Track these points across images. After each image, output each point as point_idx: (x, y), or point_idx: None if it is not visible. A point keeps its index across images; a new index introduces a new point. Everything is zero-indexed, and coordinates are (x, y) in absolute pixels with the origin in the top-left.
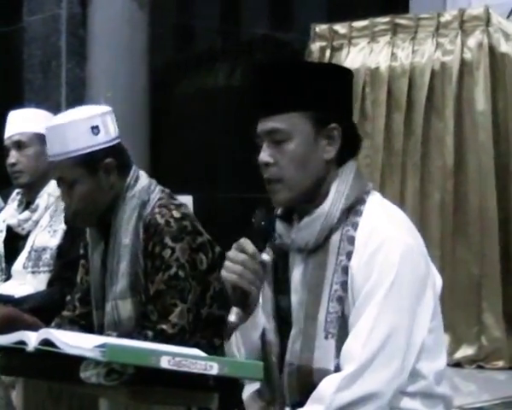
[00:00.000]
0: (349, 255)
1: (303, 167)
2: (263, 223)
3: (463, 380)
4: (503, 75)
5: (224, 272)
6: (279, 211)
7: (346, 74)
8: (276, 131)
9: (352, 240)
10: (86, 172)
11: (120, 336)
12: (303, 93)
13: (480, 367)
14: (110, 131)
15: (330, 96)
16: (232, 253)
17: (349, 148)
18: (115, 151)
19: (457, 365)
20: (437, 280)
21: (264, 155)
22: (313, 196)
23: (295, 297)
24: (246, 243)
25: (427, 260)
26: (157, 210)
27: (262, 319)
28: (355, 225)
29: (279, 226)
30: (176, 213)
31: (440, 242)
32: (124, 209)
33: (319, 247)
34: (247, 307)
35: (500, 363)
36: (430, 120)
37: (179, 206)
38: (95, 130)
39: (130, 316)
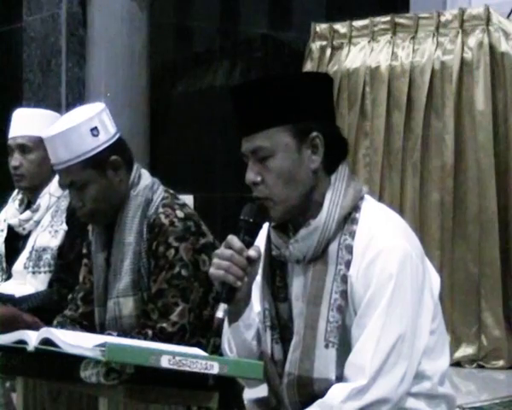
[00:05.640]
0: (348, 264)
1: (290, 182)
2: (251, 219)
3: (463, 379)
4: (503, 75)
5: (211, 269)
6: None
7: (321, 80)
8: (259, 149)
9: (350, 249)
10: (95, 172)
11: (120, 335)
12: (279, 108)
13: (480, 367)
14: (109, 129)
15: (307, 105)
16: (219, 250)
17: (336, 152)
18: (118, 147)
19: (457, 364)
20: (434, 281)
21: (251, 175)
22: (306, 206)
23: (296, 307)
24: (232, 239)
25: (424, 264)
26: (161, 210)
27: (256, 320)
28: (352, 234)
29: (275, 237)
30: (180, 214)
31: (440, 241)
32: (128, 207)
33: (318, 257)
34: (237, 305)
35: (500, 362)
36: (430, 119)
37: (183, 206)
38: (94, 131)
39: (132, 314)
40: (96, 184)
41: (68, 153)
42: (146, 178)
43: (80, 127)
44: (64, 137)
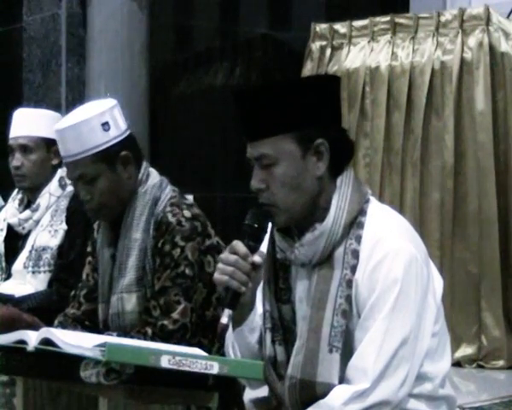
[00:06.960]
0: (353, 269)
1: (295, 189)
2: (255, 224)
3: (463, 379)
4: (503, 75)
5: (215, 274)
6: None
7: (326, 83)
8: (263, 156)
9: (356, 254)
10: (106, 166)
11: (120, 335)
12: (282, 116)
13: (480, 367)
14: (120, 125)
15: (311, 112)
16: (224, 255)
17: (342, 156)
18: (128, 143)
19: (457, 364)
20: (437, 283)
21: (255, 182)
22: (311, 211)
23: (300, 310)
24: (237, 244)
25: (428, 266)
26: (169, 209)
27: (259, 323)
28: (358, 239)
29: (279, 240)
30: (187, 213)
31: (440, 241)
32: (136, 204)
33: (323, 261)
34: (241, 310)
35: (499, 362)
36: (430, 119)
37: (190, 206)
38: (105, 126)
39: (134, 310)
40: (105, 178)
41: (79, 146)
42: (154, 176)
43: (91, 121)
44: (75, 130)
